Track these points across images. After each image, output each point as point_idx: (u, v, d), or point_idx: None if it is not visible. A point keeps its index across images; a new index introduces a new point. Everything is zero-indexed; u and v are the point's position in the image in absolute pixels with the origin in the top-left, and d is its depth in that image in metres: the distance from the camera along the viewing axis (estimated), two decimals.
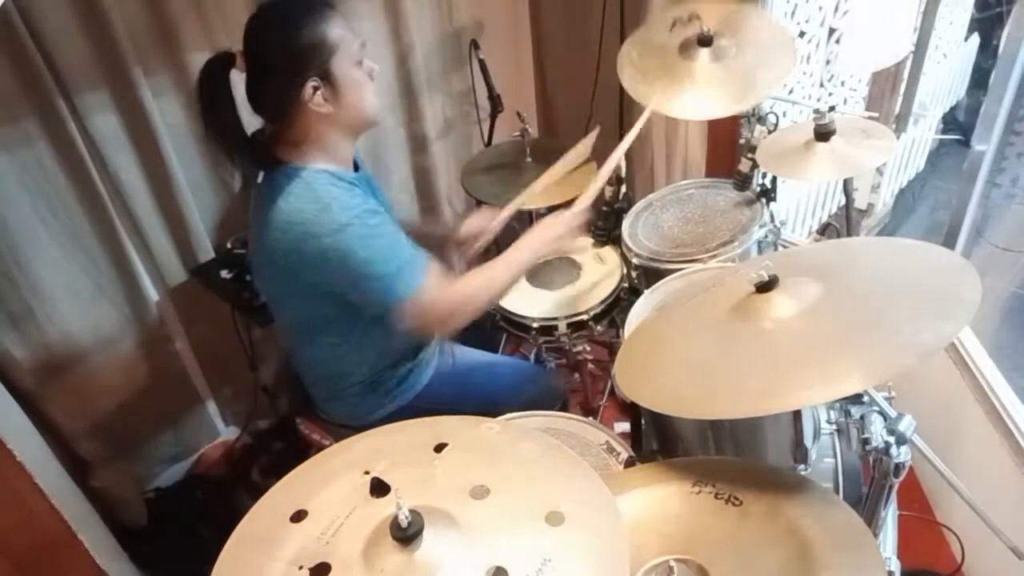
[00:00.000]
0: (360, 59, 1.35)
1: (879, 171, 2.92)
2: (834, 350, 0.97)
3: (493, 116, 2.39)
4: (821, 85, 2.63)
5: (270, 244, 1.35)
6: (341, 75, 1.32)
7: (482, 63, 2.31)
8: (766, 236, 1.81)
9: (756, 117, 1.84)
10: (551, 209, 2.08)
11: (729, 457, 1.24)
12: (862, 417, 1.13)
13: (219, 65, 1.30)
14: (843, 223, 2.11)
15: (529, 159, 2.17)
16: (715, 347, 1.10)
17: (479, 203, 2.57)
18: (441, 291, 1.37)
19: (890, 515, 1.31)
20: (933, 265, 1.08)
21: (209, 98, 1.30)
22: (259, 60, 1.30)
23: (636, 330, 1.32)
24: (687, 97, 1.68)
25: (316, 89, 1.30)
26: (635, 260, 1.83)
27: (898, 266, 1.11)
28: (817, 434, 1.28)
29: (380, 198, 1.51)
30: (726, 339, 1.09)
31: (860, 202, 3.02)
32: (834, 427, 1.32)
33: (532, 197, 1.76)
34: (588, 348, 2.07)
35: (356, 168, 1.47)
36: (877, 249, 1.26)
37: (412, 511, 0.78)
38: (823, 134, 1.55)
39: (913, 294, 1.02)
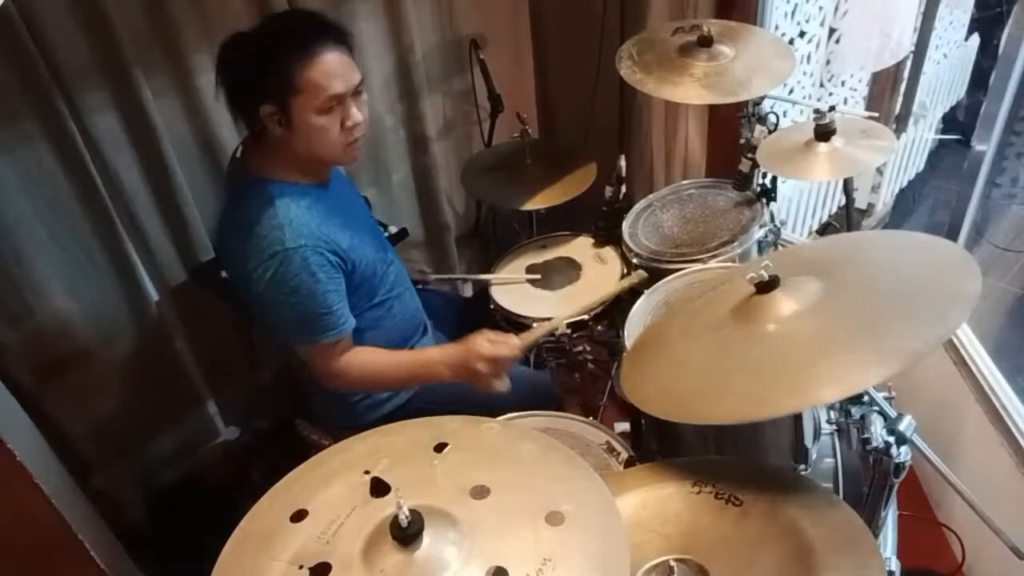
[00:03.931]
0: (327, 107, 1.30)
1: (879, 171, 2.92)
2: (832, 352, 0.97)
3: (493, 116, 2.39)
4: (821, 85, 2.63)
5: (232, 258, 1.39)
6: (297, 116, 1.31)
7: (482, 63, 2.31)
8: (766, 236, 1.81)
9: (756, 117, 1.84)
10: (551, 209, 2.11)
11: (729, 457, 1.24)
12: (862, 417, 1.13)
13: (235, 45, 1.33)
14: (843, 223, 2.11)
15: (529, 160, 2.16)
16: (715, 351, 1.09)
17: (479, 203, 2.58)
18: (329, 364, 1.42)
19: (890, 515, 1.31)
20: (934, 259, 1.07)
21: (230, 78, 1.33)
22: (233, 62, 1.32)
23: (640, 337, 1.32)
24: (681, 89, 1.71)
25: (272, 114, 1.31)
26: (635, 260, 1.83)
27: (899, 261, 1.11)
28: (817, 434, 1.28)
29: (352, 206, 1.54)
30: (726, 342, 1.09)
31: (860, 202, 3.02)
32: (834, 427, 1.32)
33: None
34: (588, 348, 2.07)
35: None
36: (878, 243, 1.26)
37: (412, 511, 0.78)
38: (823, 134, 1.55)
39: (913, 291, 1.01)
